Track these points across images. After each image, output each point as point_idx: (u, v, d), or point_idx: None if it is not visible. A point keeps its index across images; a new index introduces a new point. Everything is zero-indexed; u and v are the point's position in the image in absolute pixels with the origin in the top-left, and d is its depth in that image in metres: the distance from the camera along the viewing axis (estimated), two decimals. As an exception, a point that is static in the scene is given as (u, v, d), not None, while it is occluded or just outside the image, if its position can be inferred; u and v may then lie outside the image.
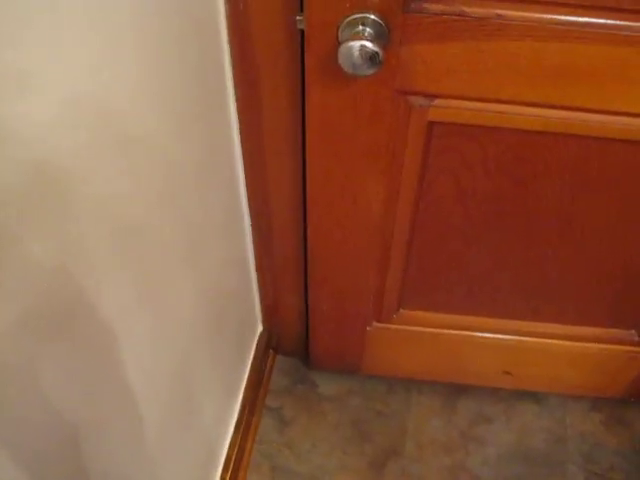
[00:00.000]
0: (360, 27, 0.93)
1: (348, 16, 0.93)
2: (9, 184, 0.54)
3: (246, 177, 1.29)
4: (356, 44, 0.91)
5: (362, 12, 0.93)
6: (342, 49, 0.93)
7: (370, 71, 0.94)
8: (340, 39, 0.96)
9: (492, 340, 1.58)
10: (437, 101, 1.05)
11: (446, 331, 1.57)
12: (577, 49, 0.94)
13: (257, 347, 1.70)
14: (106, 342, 0.80)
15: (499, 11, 0.92)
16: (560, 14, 0.92)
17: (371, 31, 0.93)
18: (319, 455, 1.64)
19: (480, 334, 1.57)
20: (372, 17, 0.93)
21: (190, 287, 1.10)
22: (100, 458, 0.85)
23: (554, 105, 1.03)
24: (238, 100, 1.15)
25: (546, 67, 0.97)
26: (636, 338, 1.54)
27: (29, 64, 0.55)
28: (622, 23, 0.92)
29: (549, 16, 0.92)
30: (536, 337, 1.56)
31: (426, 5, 0.93)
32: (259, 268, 1.54)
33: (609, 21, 0.91)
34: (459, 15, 0.93)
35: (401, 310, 1.54)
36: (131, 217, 0.82)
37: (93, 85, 0.67)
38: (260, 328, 1.74)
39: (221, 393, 1.43)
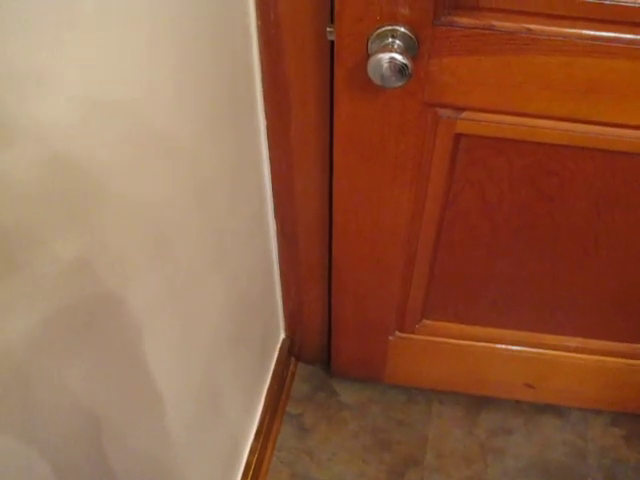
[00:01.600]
0: (390, 39, 0.94)
1: (378, 28, 0.95)
2: (29, 182, 0.55)
3: (273, 185, 1.30)
4: (385, 56, 0.92)
5: (392, 24, 0.94)
6: (371, 61, 0.94)
7: (399, 83, 0.95)
8: (370, 51, 0.97)
9: (515, 353, 1.58)
10: (465, 114, 1.06)
11: (469, 342, 1.57)
12: (605, 64, 0.94)
13: (279, 354, 1.71)
14: (132, 342, 0.82)
15: (529, 25, 0.93)
16: (589, 29, 0.92)
17: (401, 43, 0.94)
18: (339, 463, 1.65)
19: (503, 346, 1.57)
20: (402, 29, 0.94)
21: (216, 292, 1.11)
22: (126, 457, 0.87)
23: (581, 119, 1.03)
24: (267, 109, 1.16)
25: (574, 82, 0.97)
26: (660, 354, 1.53)
27: (61, 66, 0.57)
28: (650, 39, 0.92)
29: (578, 31, 0.92)
30: (559, 350, 1.56)
31: (456, 19, 0.93)
32: (283, 275, 1.55)
33: (637, 36, 0.92)
34: (489, 29, 0.93)
35: (424, 320, 1.54)
36: (161, 220, 0.84)
37: (125, 89, 0.68)
38: (282, 335, 1.75)
39: (243, 398, 1.44)
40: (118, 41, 0.65)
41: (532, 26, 0.93)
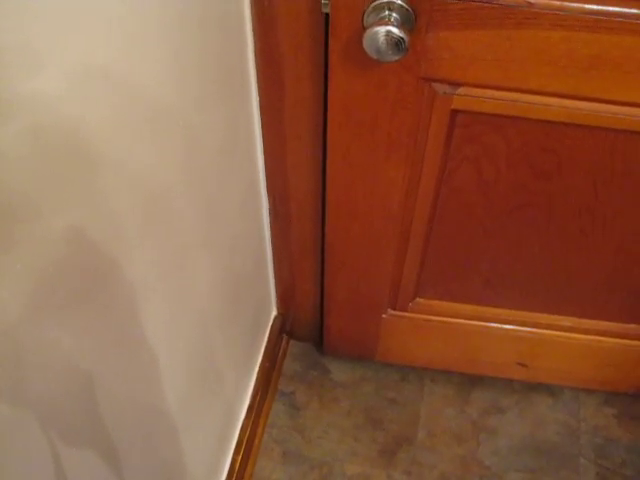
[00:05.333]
0: (386, 12, 0.92)
1: (374, 0, 0.92)
2: (18, 152, 0.54)
3: (265, 160, 1.28)
4: (382, 29, 0.90)
5: (389, -4, 0.91)
6: (367, 34, 0.91)
7: (395, 57, 0.93)
8: (365, 24, 0.94)
9: (508, 331, 1.57)
10: (461, 89, 1.04)
11: (462, 321, 1.56)
12: (608, 40, 0.92)
13: (271, 331, 1.70)
14: (126, 312, 0.81)
15: (529, -1, 0.90)
16: (591, 3, 0.90)
17: (397, 16, 0.92)
18: (330, 441, 1.64)
19: (496, 325, 1.56)
20: (399, 2, 0.91)
21: (207, 267, 1.10)
22: (122, 423, 0.86)
23: (581, 96, 1.01)
24: (260, 82, 1.14)
25: (575, 58, 0.95)
26: (654, 334, 1.53)
27: (47, 37, 0.55)
28: (655, 14, 0.90)
29: (580, 5, 0.90)
30: (552, 330, 1.55)
31: (455, -9, 0.91)
32: (275, 252, 1.53)
33: (641, 11, 0.89)
34: (488, 2, 0.91)
35: (417, 299, 1.53)
36: (153, 190, 0.83)
37: (114, 56, 0.67)
38: (274, 312, 1.74)
39: (235, 375, 1.43)
40: (104, 7, 0.63)
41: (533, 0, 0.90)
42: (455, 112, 1.08)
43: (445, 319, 1.56)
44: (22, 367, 0.61)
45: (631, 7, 0.89)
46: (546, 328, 1.55)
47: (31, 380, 0.63)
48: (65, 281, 0.65)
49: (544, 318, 1.53)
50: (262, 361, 1.63)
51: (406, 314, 1.57)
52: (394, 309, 1.57)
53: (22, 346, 0.60)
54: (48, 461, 0.69)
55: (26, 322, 0.59)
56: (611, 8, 0.89)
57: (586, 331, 1.54)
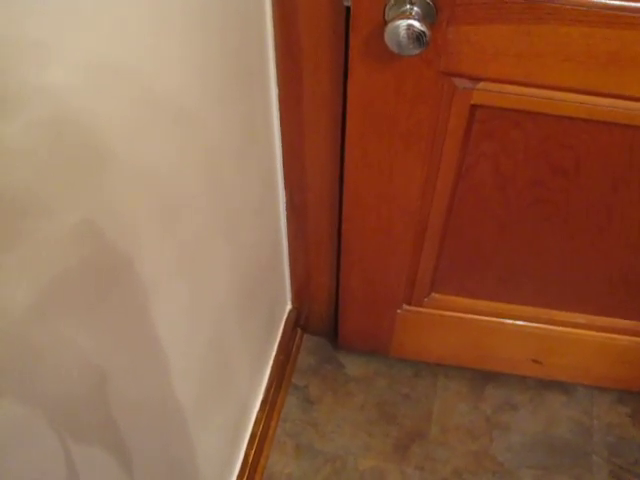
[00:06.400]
0: (408, 6, 0.92)
1: (396, -6, 0.92)
2: (31, 146, 0.53)
3: (283, 154, 1.29)
4: (403, 23, 0.90)
5: (410, -9, 0.92)
6: (389, 28, 0.91)
7: (416, 51, 0.93)
8: (387, 17, 0.95)
9: (523, 328, 1.57)
10: (481, 84, 1.04)
11: (477, 317, 1.56)
12: (629, 35, 0.92)
13: (285, 325, 1.70)
14: (141, 306, 0.81)
15: (550, -6, 0.90)
16: (613, -1, 0.90)
17: (419, 10, 0.92)
18: (343, 435, 1.65)
19: (511, 321, 1.56)
20: (420, -4, 0.92)
21: (225, 261, 1.10)
22: (135, 419, 0.86)
23: (601, 93, 1.01)
24: (279, 76, 1.14)
25: (596, 53, 0.95)
26: (669, 332, 1.52)
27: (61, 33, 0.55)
28: (677, 10, 0.89)
29: (601, 1, 0.90)
30: (567, 327, 1.55)
31: (476, -15, 0.91)
32: (291, 246, 1.53)
33: (663, 8, 0.89)
34: (509, -3, 0.91)
35: (433, 294, 1.53)
36: (169, 185, 0.82)
37: (130, 52, 0.67)
38: (289, 306, 1.74)
39: (249, 369, 1.44)
40: (122, 3, 0.63)
41: (554, -5, 0.90)
42: (474, 107, 1.08)
43: (460, 315, 1.57)
44: (33, 365, 0.60)
45: (653, 3, 0.89)
46: (561, 325, 1.55)
47: (43, 379, 0.63)
48: (77, 278, 0.64)
49: (559, 315, 1.53)
50: (276, 355, 1.63)
51: (421, 309, 1.57)
52: (409, 304, 1.57)
53: (33, 344, 0.59)
54: (60, 459, 0.69)
55: (37, 320, 0.59)
56: (632, 4, 0.89)
57: (601, 329, 1.54)
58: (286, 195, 1.39)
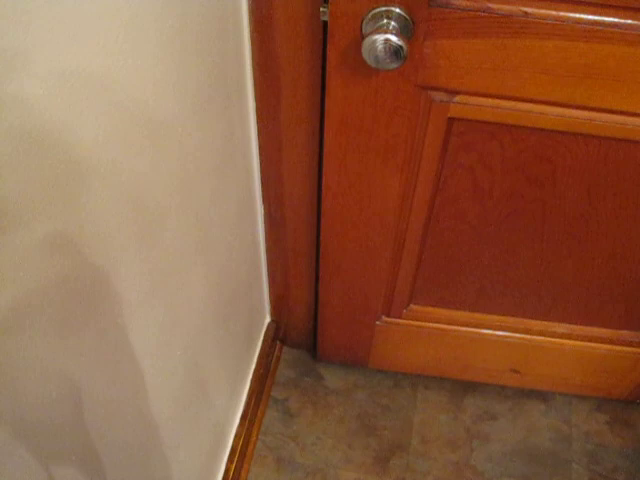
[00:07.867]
0: (385, 20, 0.92)
1: (373, 9, 0.92)
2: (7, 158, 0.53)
3: (261, 167, 1.28)
4: (380, 37, 0.90)
5: (387, 5, 0.92)
6: (366, 42, 0.92)
7: (393, 65, 0.94)
8: (364, 32, 0.95)
9: (501, 338, 1.57)
10: (458, 97, 1.04)
11: (455, 328, 1.57)
12: (603, 49, 0.93)
13: (264, 338, 1.70)
14: (115, 321, 0.80)
15: (526, 9, 0.91)
16: (587, 13, 0.90)
17: (396, 25, 0.92)
18: (324, 448, 1.64)
19: (489, 332, 1.57)
20: (397, 10, 0.92)
21: (201, 275, 1.09)
22: (110, 438, 0.85)
23: (577, 105, 1.02)
24: (256, 90, 1.14)
25: (571, 67, 0.96)
26: (646, 340, 1.54)
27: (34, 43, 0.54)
28: (650, 24, 0.91)
29: (576, 15, 0.91)
30: (545, 336, 1.56)
31: (452, 0, 0.91)
32: (270, 259, 1.53)
33: (637, 22, 0.90)
34: (485, 11, 0.92)
35: (411, 305, 1.53)
36: (146, 201, 0.82)
37: (110, 66, 0.66)
38: (268, 319, 1.74)
39: (228, 383, 1.43)
40: (97, 14, 0.62)
41: (529, 9, 0.91)
42: (451, 120, 1.08)
43: (439, 326, 1.57)
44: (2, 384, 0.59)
45: (626, 18, 0.89)
46: (539, 335, 1.56)
47: (13, 398, 0.61)
48: (48, 292, 0.63)
49: (537, 325, 1.54)
50: (255, 368, 1.63)
51: (400, 321, 1.58)
52: (388, 316, 1.57)
53: (2, 360, 0.58)
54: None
55: (6, 335, 0.58)
56: (607, 18, 0.90)
57: (579, 337, 1.55)
58: (264, 208, 1.38)
